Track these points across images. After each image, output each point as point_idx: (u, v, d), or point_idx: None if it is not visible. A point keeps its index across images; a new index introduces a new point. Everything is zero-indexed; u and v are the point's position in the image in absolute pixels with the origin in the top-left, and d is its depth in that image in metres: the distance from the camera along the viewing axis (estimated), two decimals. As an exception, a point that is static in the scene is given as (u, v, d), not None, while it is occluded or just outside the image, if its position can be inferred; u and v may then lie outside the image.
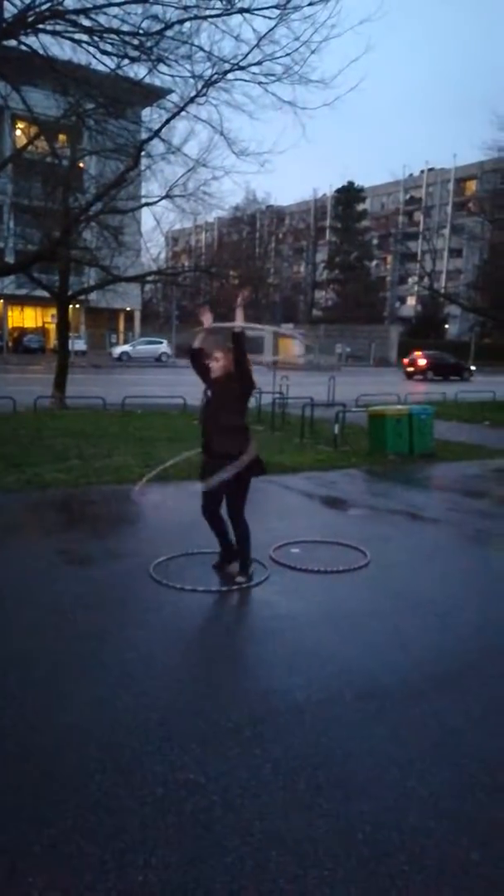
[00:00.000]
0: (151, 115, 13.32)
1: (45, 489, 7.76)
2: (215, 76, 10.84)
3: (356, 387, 20.75)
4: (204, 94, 11.17)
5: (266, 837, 2.46)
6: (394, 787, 2.78)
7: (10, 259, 16.90)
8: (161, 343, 45.28)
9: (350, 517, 7.32)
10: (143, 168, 13.46)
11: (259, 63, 10.37)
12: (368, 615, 4.54)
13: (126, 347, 44.85)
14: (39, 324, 48.62)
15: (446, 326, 65.57)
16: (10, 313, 45.18)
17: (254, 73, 10.55)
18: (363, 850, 2.41)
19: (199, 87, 11.03)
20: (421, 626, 4.39)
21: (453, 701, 3.48)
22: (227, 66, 10.59)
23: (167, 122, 12.08)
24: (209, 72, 10.86)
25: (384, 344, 55.10)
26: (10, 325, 45.27)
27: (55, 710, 3.26)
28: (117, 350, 44.41)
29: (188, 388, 18.69)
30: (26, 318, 48.40)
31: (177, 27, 9.64)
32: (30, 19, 9.54)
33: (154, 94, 12.30)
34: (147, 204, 15.13)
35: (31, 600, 4.61)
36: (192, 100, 11.35)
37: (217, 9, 9.56)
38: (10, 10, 9.82)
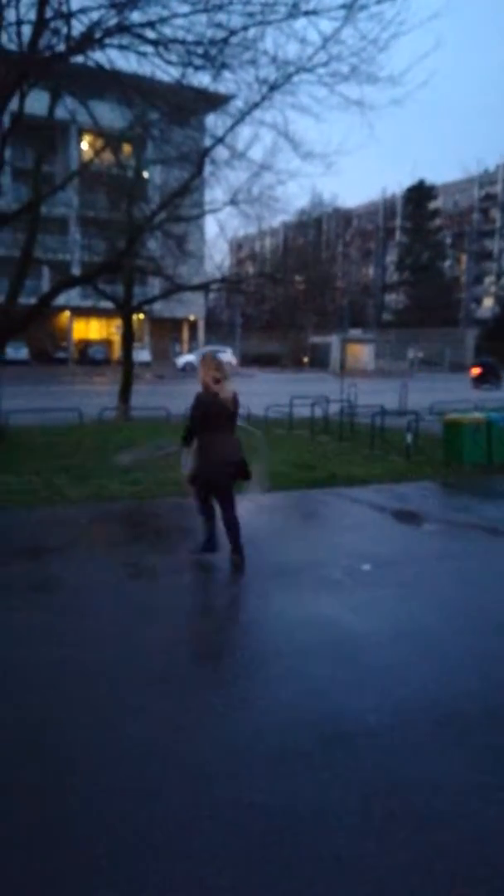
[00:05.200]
0: (216, 122, 13.39)
1: (111, 501, 7.80)
2: (280, 80, 10.78)
3: (430, 394, 20.18)
4: (269, 99, 11.13)
5: (337, 864, 2.34)
6: (474, 816, 2.61)
7: (75, 271, 17.29)
8: (225, 351, 45.57)
9: (424, 532, 7.05)
10: (207, 175, 13.52)
11: (325, 64, 10.23)
12: (444, 635, 4.33)
13: (190, 357, 45.32)
14: (104, 335, 49.74)
15: (527, 328, 62.96)
16: (75, 325, 46.39)
17: (319, 75, 10.43)
18: (442, 883, 2.27)
19: (264, 91, 10.99)
20: (501, 647, 4.14)
21: (538, 726, 3.25)
22: (291, 69, 10.53)
23: (231, 128, 12.10)
24: (274, 75, 10.82)
25: (459, 348, 53.57)
26: (75, 337, 46.40)
27: (121, 725, 3.22)
28: (181, 360, 44.89)
29: (252, 399, 18.68)
30: (91, 329, 49.53)
31: (241, 33, 9.64)
32: (97, 35, 9.72)
33: (217, 101, 12.35)
34: (211, 211, 15.24)
35: (96, 613, 4.61)
36: (256, 105, 11.30)
37: (282, 13, 9.51)
38: (77, 28, 10.06)
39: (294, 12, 9.48)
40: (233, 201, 14.36)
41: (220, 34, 9.67)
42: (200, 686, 3.59)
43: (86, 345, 47.11)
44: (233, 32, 9.63)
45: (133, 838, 2.46)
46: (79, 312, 43.22)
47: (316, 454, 10.97)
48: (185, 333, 54.17)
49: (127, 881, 2.26)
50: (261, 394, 23.34)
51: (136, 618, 4.48)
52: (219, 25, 9.58)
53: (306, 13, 9.54)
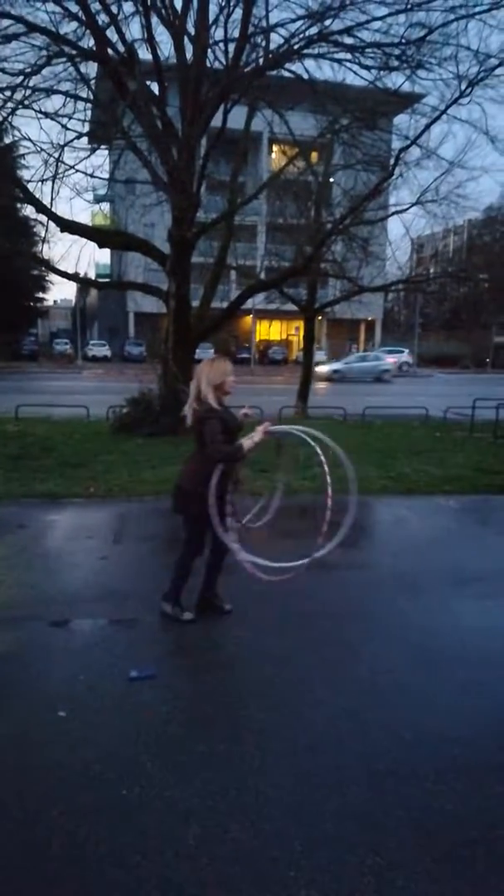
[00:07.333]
0: (409, 122, 13.16)
1: (292, 496, 8.01)
2: (482, 73, 10.35)
3: None
4: (468, 94, 10.72)
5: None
6: None
7: (261, 276, 17.79)
8: (402, 352, 44.74)
9: None
10: (396, 176, 13.31)
11: (533, 52, 9.74)
12: None
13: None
14: (284, 336, 50.98)
15: None
16: (257, 327, 47.85)
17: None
18: None
19: (463, 87, 10.60)
20: None
21: None
22: (494, 62, 10.10)
23: (427, 127, 11.71)
24: (475, 69, 10.43)
25: None
26: (257, 338, 47.98)
27: (306, 716, 3.35)
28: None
29: (431, 400, 18.21)
30: (272, 331, 51.03)
31: (441, 30, 9.45)
32: (296, 46, 10.02)
33: (409, 101, 12.13)
34: (398, 212, 15.02)
35: (277, 603, 4.80)
36: (454, 101, 10.89)
37: (486, 3, 9.19)
38: (275, 41, 10.45)
39: (500, 1, 9.15)
40: (419, 202, 14.07)
41: (418, 33, 9.57)
42: (378, 686, 3.63)
43: (266, 346, 48.78)
44: (432, 30, 9.49)
45: (322, 830, 2.58)
46: (261, 315, 44.57)
47: (500, 458, 10.51)
48: (363, 334, 53.90)
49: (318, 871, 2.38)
50: (439, 395, 22.68)
51: (310, 611, 4.62)
52: (418, 24, 9.49)
53: (513, 1, 9.17)
